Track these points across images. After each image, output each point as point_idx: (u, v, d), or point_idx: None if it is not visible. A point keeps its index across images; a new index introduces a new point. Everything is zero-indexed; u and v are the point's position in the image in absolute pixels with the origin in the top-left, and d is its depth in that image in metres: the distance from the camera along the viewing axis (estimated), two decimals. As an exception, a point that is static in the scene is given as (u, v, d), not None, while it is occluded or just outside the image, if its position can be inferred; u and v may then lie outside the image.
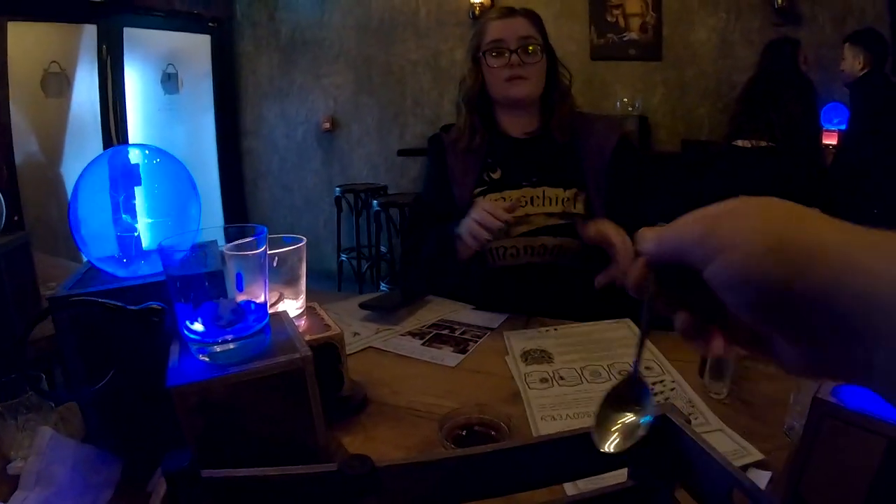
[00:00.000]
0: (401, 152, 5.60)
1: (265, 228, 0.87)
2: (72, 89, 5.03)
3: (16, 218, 3.89)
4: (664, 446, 0.69)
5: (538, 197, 1.76)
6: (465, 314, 1.72)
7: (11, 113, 4.42)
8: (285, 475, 0.64)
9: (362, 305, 1.73)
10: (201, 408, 0.79)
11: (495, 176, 1.82)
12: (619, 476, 0.76)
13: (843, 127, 3.87)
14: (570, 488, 0.86)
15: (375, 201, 5.09)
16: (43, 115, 4.81)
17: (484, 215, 1.55)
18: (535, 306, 1.70)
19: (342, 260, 5.82)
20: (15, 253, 1.61)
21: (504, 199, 1.77)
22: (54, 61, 4.84)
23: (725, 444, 0.99)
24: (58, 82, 4.91)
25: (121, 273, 1.00)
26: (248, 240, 0.85)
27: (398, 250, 5.16)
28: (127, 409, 0.95)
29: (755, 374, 1.22)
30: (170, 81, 5.97)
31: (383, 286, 5.44)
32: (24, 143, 4.60)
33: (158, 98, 5.92)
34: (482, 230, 1.54)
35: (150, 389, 0.79)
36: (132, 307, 0.88)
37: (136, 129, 5.61)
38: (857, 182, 3.46)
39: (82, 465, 0.95)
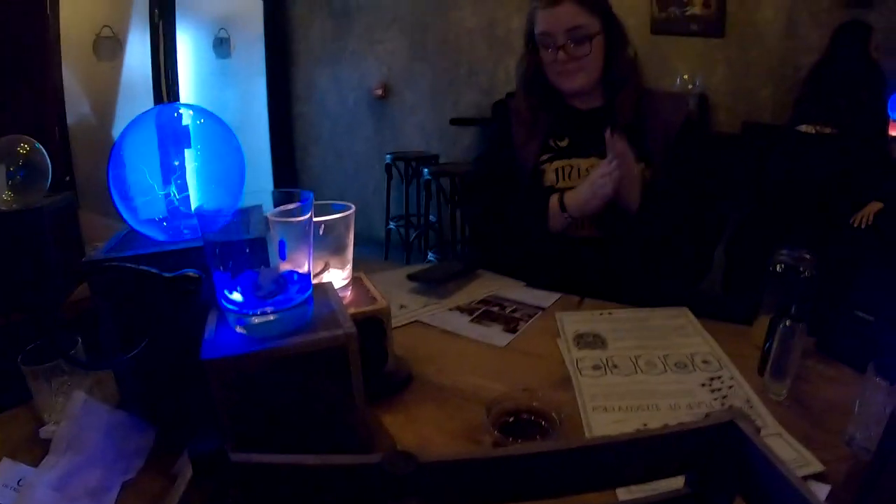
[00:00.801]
0: (453, 121, 5.48)
1: (311, 193, 0.83)
2: (124, 53, 5.07)
3: (67, 178, 3.95)
4: (728, 455, 0.64)
5: None
6: (517, 291, 1.67)
7: (64, 76, 4.46)
8: (322, 465, 0.60)
9: (410, 277, 1.69)
10: (236, 383, 0.76)
11: (562, 144, 1.77)
12: (676, 483, 0.71)
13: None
14: (622, 493, 0.82)
15: (426, 169, 5.02)
16: (95, 78, 4.85)
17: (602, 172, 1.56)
18: (589, 284, 1.64)
19: (390, 228, 5.78)
20: (61, 213, 1.62)
21: (572, 167, 1.74)
22: (106, 25, 4.88)
23: (784, 451, 0.93)
24: (110, 46, 4.95)
25: (161, 237, 0.97)
26: (292, 206, 0.81)
27: (447, 220, 5.15)
28: (162, 378, 0.92)
29: (815, 376, 1.15)
30: (222, 46, 6.01)
31: (431, 256, 5.40)
32: (77, 106, 4.65)
33: (210, 62, 5.96)
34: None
35: (185, 361, 0.75)
36: (167, 274, 0.85)
37: (188, 92, 5.65)
38: None
39: (115, 432, 0.93)
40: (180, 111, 1.01)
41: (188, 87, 5.67)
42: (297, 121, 6.70)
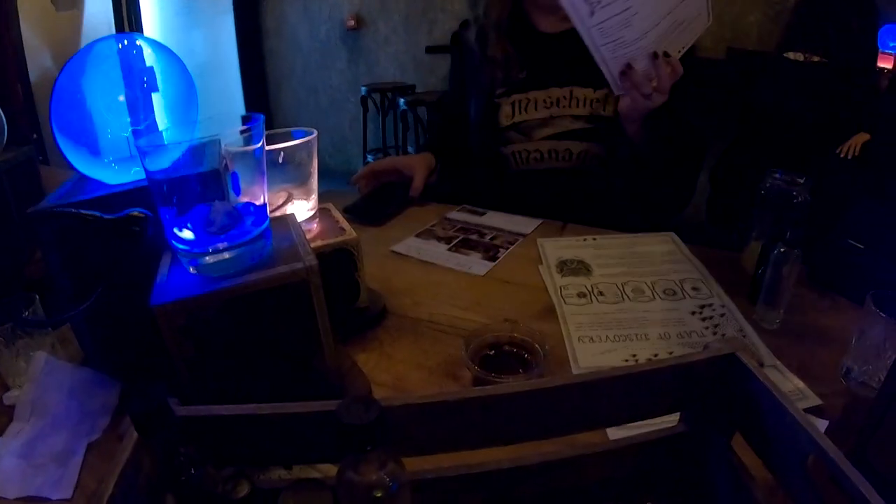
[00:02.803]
0: (429, 49, 5.38)
1: (261, 116, 0.75)
2: (83, 1, 4.83)
3: (35, 136, 3.77)
4: (728, 390, 0.58)
5: (565, 97, 1.62)
6: (496, 218, 1.60)
7: (23, 32, 4.24)
8: (275, 415, 0.54)
9: (346, 210, 1.59)
10: (190, 329, 0.69)
11: (520, 76, 1.67)
12: (670, 421, 0.65)
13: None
14: (613, 433, 0.76)
15: (402, 100, 4.96)
16: (55, 30, 4.60)
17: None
18: (562, 213, 1.58)
19: (369, 161, 5.66)
20: (18, 169, 1.56)
21: (528, 101, 1.65)
22: None
23: (779, 382, 0.87)
24: None
25: (111, 180, 0.88)
26: (239, 129, 0.73)
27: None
28: (121, 329, 0.85)
29: (808, 306, 1.10)
30: (186, -18, 5.79)
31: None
32: (39, 61, 4.41)
33: (175, 2, 5.77)
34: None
35: (142, 309, 0.68)
36: (108, 216, 0.77)
37: (153, 35, 5.38)
38: None
39: (79, 390, 0.89)
40: (120, 43, 0.91)
41: (153, 30, 5.51)
42: (268, 57, 6.55)
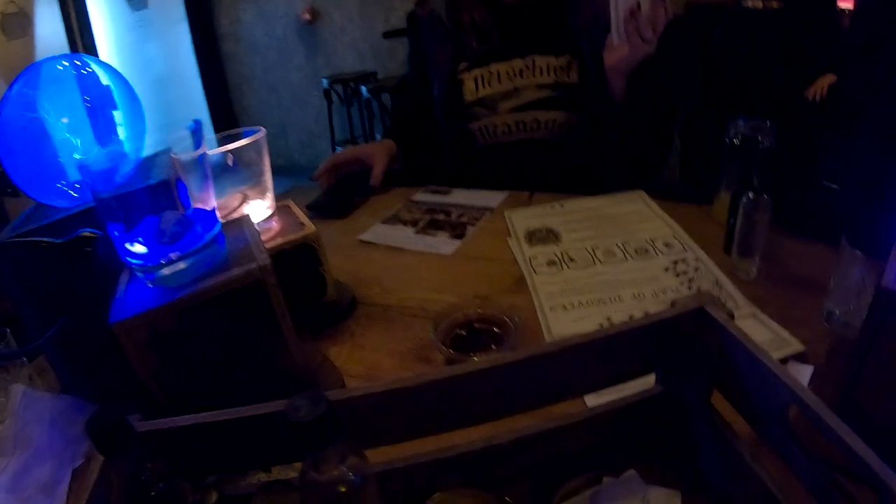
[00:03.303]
0: (386, 34, 5.33)
1: (199, 121, 0.72)
2: (34, 27, 4.69)
3: None
4: (701, 346, 0.56)
5: (528, 67, 1.60)
6: (462, 195, 1.58)
7: None
8: (231, 419, 0.52)
9: (309, 207, 1.57)
10: (152, 343, 0.68)
11: (493, 43, 1.64)
12: (648, 384, 0.64)
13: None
14: (592, 401, 0.75)
15: (364, 88, 4.93)
16: (7, 59, 4.45)
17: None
18: (534, 185, 1.56)
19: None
20: None
21: (491, 74, 1.63)
22: (11, 1, 4.47)
23: (760, 332, 0.86)
24: (18, 22, 4.54)
25: (67, 204, 0.85)
26: (180, 134, 0.70)
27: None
28: (91, 353, 0.82)
29: (785, 252, 1.08)
30: (136, -2, 5.68)
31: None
32: None
33: (126, 17, 5.64)
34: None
35: (105, 330, 0.66)
36: (59, 240, 0.75)
37: (108, 54, 5.34)
38: (876, 49, 3.25)
39: (59, 419, 0.87)
40: (59, 65, 0.87)
41: (107, 49, 5.38)
42: (226, 61, 6.45)
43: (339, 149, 5.61)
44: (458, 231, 1.35)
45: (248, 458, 0.58)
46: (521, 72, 1.60)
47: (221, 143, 0.91)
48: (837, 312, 0.85)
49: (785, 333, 0.85)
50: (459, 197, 1.56)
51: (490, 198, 1.52)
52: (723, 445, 0.57)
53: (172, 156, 0.70)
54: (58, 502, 0.77)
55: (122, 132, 0.91)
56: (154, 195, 0.70)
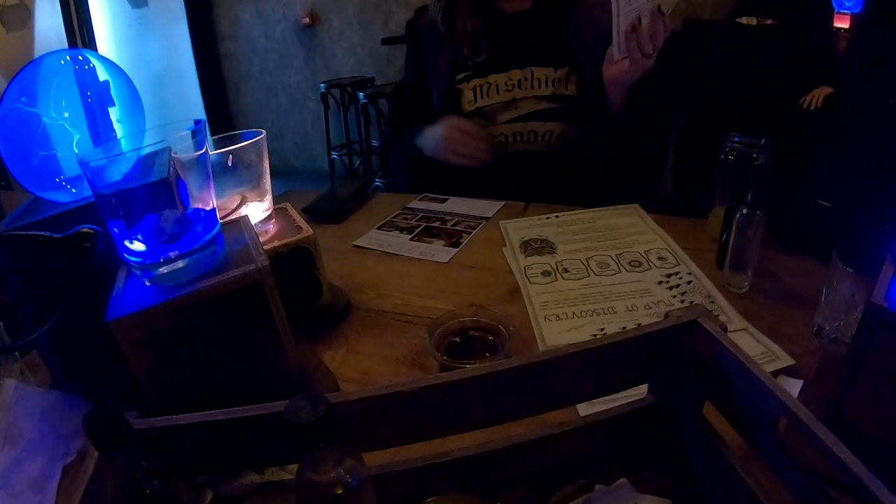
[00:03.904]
0: (385, 41, 5.35)
1: (203, 121, 0.73)
2: (33, 20, 4.66)
3: None
4: (693, 358, 0.57)
5: (526, 79, 1.61)
6: (458, 203, 1.58)
7: None
8: (230, 419, 0.53)
9: (305, 210, 1.56)
10: (148, 341, 0.67)
11: (479, 59, 1.65)
12: (641, 395, 0.64)
13: (856, 10, 3.60)
14: (584, 410, 0.75)
15: (362, 94, 4.92)
16: (6, 52, 4.41)
17: (455, 137, 1.51)
18: (530, 195, 1.57)
19: (333, 158, 5.65)
20: None
21: (490, 84, 1.63)
22: None
23: (751, 345, 0.88)
24: (18, 15, 4.51)
25: (65, 199, 0.86)
26: (181, 134, 0.71)
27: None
28: (86, 348, 0.83)
29: (777, 267, 1.10)
30: (136, -5, 5.67)
31: (377, 181, 5.31)
32: None
33: (126, 14, 5.61)
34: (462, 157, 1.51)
35: (102, 326, 0.66)
36: (58, 235, 0.75)
37: (107, 50, 5.30)
38: (871, 70, 3.27)
39: (51, 414, 0.86)
40: (62, 60, 0.88)
41: (106, 44, 5.34)
42: (224, 61, 6.43)
43: (335, 154, 5.63)
44: (453, 239, 1.36)
45: (244, 458, 0.58)
46: (519, 83, 1.61)
47: (218, 145, 0.92)
48: (827, 327, 0.87)
49: (775, 347, 0.87)
50: (455, 205, 1.57)
51: (486, 207, 1.53)
52: (714, 456, 0.58)
53: (173, 154, 0.70)
54: (48, 498, 0.76)
55: (120, 129, 0.91)
56: (154, 193, 0.70)
